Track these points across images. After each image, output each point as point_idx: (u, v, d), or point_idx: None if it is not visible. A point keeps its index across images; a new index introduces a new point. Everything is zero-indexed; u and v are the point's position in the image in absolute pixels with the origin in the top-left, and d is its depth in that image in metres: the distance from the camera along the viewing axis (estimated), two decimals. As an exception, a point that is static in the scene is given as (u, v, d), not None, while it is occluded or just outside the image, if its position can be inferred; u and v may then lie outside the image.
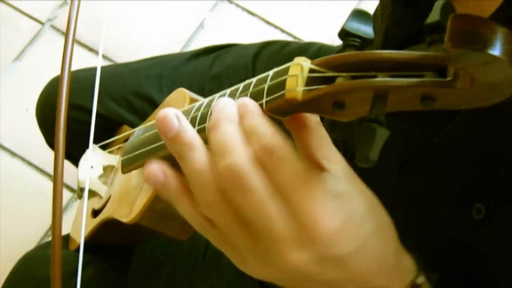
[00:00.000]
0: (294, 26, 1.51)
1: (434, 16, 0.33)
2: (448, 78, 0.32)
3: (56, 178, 0.57)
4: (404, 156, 0.53)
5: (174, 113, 0.38)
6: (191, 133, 0.38)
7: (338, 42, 1.13)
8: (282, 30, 1.50)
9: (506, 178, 0.46)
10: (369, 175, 0.40)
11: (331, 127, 0.40)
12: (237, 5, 1.52)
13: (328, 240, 0.37)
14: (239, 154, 0.36)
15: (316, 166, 0.38)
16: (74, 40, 0.65)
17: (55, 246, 0.54)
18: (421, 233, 0.53)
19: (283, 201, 0.36)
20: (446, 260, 0.51)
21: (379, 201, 0.41)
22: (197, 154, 0.38)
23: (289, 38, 1.49)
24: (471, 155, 0.48)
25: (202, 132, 0.40)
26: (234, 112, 0.38)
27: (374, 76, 0.34)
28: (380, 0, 0.61)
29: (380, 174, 0.41)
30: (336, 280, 0.39)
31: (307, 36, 1.49)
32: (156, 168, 0.39)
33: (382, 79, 0.33)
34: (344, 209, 0.37)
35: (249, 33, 1.48)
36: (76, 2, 0.66)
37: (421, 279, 0.43)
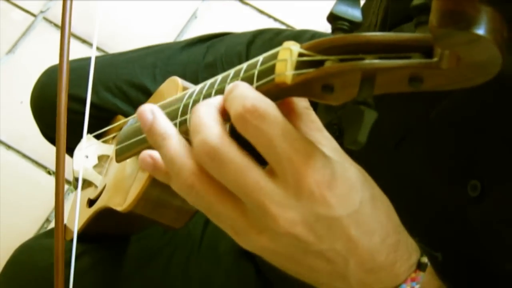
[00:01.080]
0: (287, 15, 1.51)
1: None
2: (435, 59, 0.32)
3: (59, 170, 0.58)
4: (401, 133, 0.53)
5: (150, 108, 0.41)
6: (164, 125, 0.40)
7: (330, 30, 1.13)
8: (275, 19, 1.50)
9: (503, 154, 0.46)
10: (365, 154, 0.40)
11: (327, 110, 0.40)
12: (230, -5, 1.52)
13: (318, 196, 0.36)
14: (210, 129, 0.36)
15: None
16: (70, 34, 0.65)
17: (59, 235, 0.54)
18: (416, 212, 0.54)
19: (268, 160, 0.36)
20: (442, 239, 0.52)
21: (373, 181, 0.40)
22: (170, 142, 0.39)
23: (282, 27, 1.49)
24: (468, 130, 0.48)
25: None
26: (215, 100, 0.39)
27: (362, 59, 0.34)
28: None
29: (376, 153, 0.41)
30: (337, 253, 0.38)
31: (300, 24, 1.49)
32: (145, 153, 0.42)
33: (369, 61, 0.33)
34: (334, 170, 0.37)
35: (242, 22, 1.48)
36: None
37: (425, 259, 0.42)
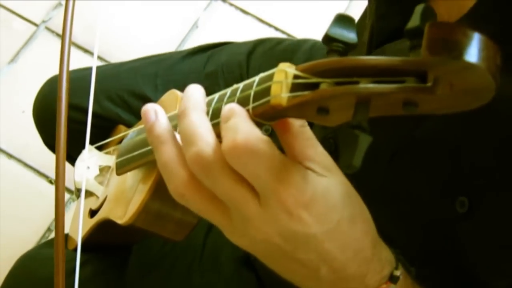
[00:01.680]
0: (288, 24, 1.52)
1: (414, 21, 0.33)
2: (429, 84, 0.32)
3: (58, 174, 0.58)
4: (393, 148, 0.54)
5: (154, 108, 0.43)
6: (163, 128, 0.42)
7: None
8: (276, 28, 1.51)
9: (489, 172, 0.47)
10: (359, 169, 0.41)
11: (323, 125, 0.41)
12: (231, 4, 1.52)
13: (292, 215, 0.39)
14: (206, 142, 0.39)
15: (295, 163, 0.40)
16: (71, 43, 0.66)
17: (59, 243, 0.55)
18: (408, 225, 0.55)
19: (254, 188, 0.39)
20: (432, 252, 0.53)
21: (359, 197, 0.42)
22: (165, 147, 0.41)
23: (283, 36, 1.50)
24: (453, 148, 0.49)
25: None
26: (201, 100, 0.42)
27: (357, 82, 0.35)
28: None
29: (370, 168, 0.42)
30: (310, 261, 0.41)
31: (300, 33, 1.50)
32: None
33: (364, 86, 0.34)
34: (315, 191, 0.39)
35: (243, 31, 1.49)
36: (70, 4, 0.67)
37: (398, 272, 0.44)
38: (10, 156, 1.34)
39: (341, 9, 1.54)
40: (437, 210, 0.52)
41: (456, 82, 0.31)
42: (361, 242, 0.42)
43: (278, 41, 0.88)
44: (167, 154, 0.41)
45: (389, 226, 0.46)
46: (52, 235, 1.27)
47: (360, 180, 0.42)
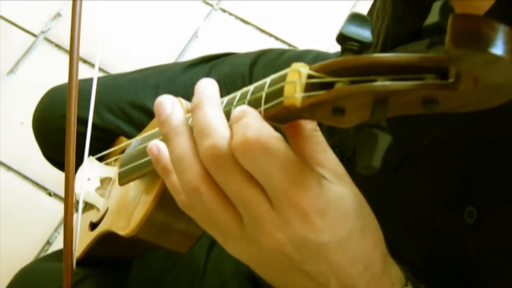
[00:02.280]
0: (288, 34, 1.51)
1: (433, 17, 0.32)
2: (450, 80, 0.31)
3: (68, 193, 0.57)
4: (401, 155, 0.53)
5: (171, 100, 0.42)
6: (180, 119, 0.41)
7: (332, 49, 1.13)
8: (276, 38, 1.50)
9: (499, 181, 0.46)
10: (366, 176, 0.40)
11: (329, 133, 0.40)
12: (231, 14, 1.52)
13: (307, 222, 0.37)
14: (221, 135, 0.37)
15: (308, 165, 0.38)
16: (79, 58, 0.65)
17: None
18: (414, 235, 0.53)
19: (265, 189, 0.37)
20: (439, 263, 0.51)
21: (370, 208, 0.41)
22: (181, 139, 0.40)
23: (284, 46, 1.49)
24: (461, 155, 0.48)
25: None
26: (215, 92, 0.40)
27: (374, 80, 0.33)
28: None
29: (375, 176, 0.41)
30: (319, 273, 0.39)
31: (301, 43, 1.49)
32: (154, 142, 0.43)
33: (382, 83, 0.32)
34: (328, 198, 0.37)
35: (243, 41, 1.48)
36: (77, 16, 0.67)
37: None
38: (9, 168, 1.32)
39: (341, 19, 1.53)
40: (444, 220, 0.50)
41: (480, 77, 0.30)
42: (371, 255, 0.40)
43: (281, 52, 0.87)
44: (182, 145, 0.39)
45: (394, 236, 0.44)
46: (52, 248, 1.26)
47: (365, 188, 0.41)
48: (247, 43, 1.46)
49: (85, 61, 1.41)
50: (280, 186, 0.36)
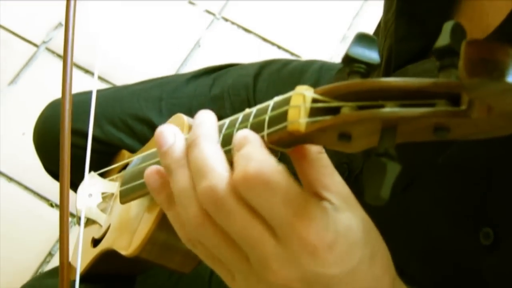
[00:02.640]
0: (291, 42, 1.50)
1: (444, 39, 0.31)
2: (463, 107, 0.30)
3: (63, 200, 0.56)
4: (409, 177, 0.51)
5: (172, 130, 0.40)
6: (182, 151, 0.39)
7: (335, 58, 1.12)
8: (279, 47, 1.49)
9: None
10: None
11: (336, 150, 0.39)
12: (233, 23, 1.51)
13: (316, 256, 0.35)
14: (218, 175, 0.36)
15: (313, 195, 0.37)
16: (72, 67, 0.64)
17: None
18: (425, 258, 0.52)
19: (270, 224, 0.36)
20: (452, 286, 0.50)
21: (378, 232, 0.40)
22: (184, 171, 0.38)
23: (286, 55, 1.48)
24: (476, 175, 0.47)
25: None
26: (213, 128, 0.39)
27: (382, 106, 0.32)
28: (383, 16, 0.59)
29: None
30: None
31: (303, 52, 1.48)
32: (153, 168, 0.41)
33: (391, 110, 0.31)
34: (336, 229, 0.36)
35: (246, 50, 1.47)
36: (71, 24, 0.66)
37: None
38: (10, 179, 1.31)
39: (343, 27, 1.52)
40: (457, 242, 0.49)
41: (495, 105, 0.29)
42: (380, 281, 0.39)
43: (285, 63, 0.86)
44: (185, 179, 0.38)
45: (403, 258, 0.43)
46: (53, 259, 1.25)
47: (371, 209, 0.40)
48: (249, 52, 1.46)
49: (86, 71, 1.41)
50: (285, 220, 0.35)
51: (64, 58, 0.65)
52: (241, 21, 1.51)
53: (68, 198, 0.57)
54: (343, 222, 0.37)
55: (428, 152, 0.49)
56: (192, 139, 0.38)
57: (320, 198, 0.37)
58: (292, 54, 1.49)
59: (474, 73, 0.27)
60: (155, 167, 0.41)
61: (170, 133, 0.40)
